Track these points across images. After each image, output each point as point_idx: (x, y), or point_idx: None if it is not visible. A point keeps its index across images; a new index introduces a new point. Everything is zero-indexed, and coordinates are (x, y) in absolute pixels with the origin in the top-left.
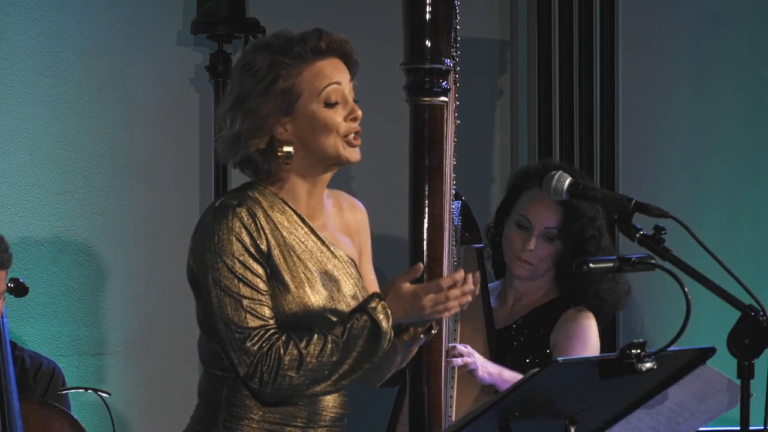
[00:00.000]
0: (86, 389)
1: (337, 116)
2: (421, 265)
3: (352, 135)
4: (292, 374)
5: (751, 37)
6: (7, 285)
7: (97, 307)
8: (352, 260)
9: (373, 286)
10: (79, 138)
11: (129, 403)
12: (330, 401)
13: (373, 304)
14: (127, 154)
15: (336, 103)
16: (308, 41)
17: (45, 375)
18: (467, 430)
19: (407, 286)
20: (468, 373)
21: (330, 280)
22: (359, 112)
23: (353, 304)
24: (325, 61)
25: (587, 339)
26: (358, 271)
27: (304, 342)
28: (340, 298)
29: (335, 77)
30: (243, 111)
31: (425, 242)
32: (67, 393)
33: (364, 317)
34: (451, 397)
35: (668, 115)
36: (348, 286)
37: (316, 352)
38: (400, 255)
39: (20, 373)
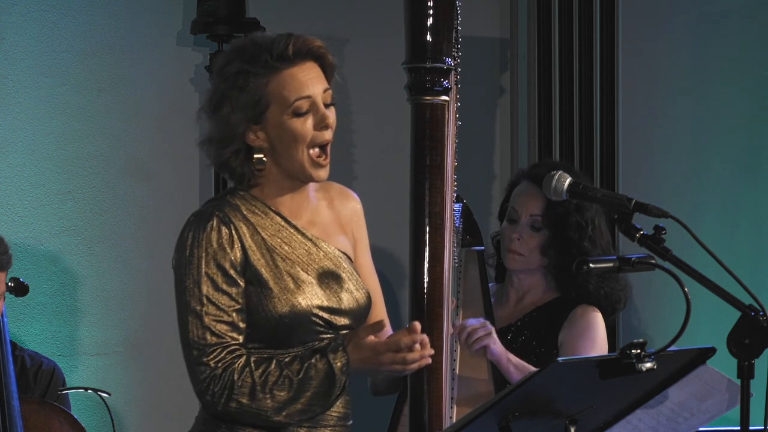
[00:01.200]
0: (86, 389)
1: (306, 125)
2: (384, 323)
3: (321, 156)
4: (243, 400)
5: (751, 37)
6: (7, 285)
7: (97, 307)
8: (346, 255)
9: (371, 277)
10: (79, 138)
11: (129, 403)
12: None
13: (333, 349)
14: (126, 154)
15: (306, 112)
16: (275, 49)
17: (45, 375)
18: (467, 430)
19: (369, 339)
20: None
21: (319, 278)
22: (330, 120)
23: (346, 298)
24: (296, 68)
25: (595, 337)
26: (352, 265)
27: (260, 371)
28: (331, 296)
29: (305, 89)
30: (215, 117)
31: (426, 241)
32: (67, 393)
33: (323, 361)
34: (452, 398)
35: (668, 115)
36: (339, 282)
37: (270, 383)
38: (400, 255)
39: (20, 373)
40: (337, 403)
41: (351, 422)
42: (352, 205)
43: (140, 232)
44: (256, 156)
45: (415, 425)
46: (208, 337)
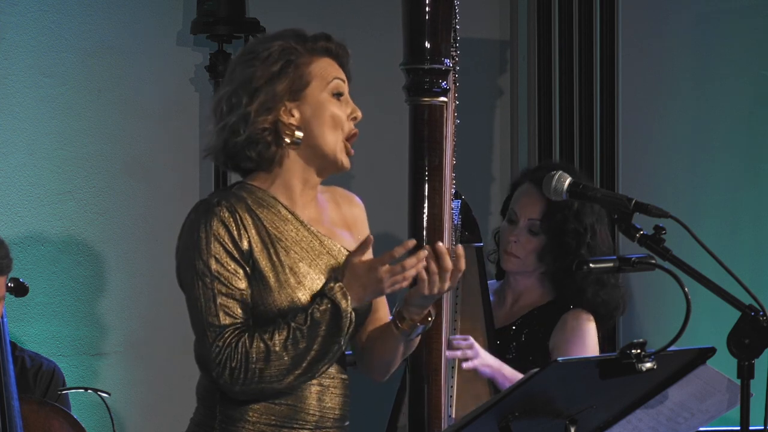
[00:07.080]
0: (86, 389)
1: (342, 110)
2: (371, 237)
3: (349, 142)
4: (262, 366)
5: (751, 37)
6: (7, 285)
7: (97, 307)
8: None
9: None
10: (79, 138)
11: (129, 403)
12: (328, 401)
13: (330, 285)
14: (127, 154)
15: (341, 95)
16: (318, 39)
17: (45, 375)
18: (467, 430)
19: (361, 261)
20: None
21: (321, 273)
22: (359, 113)
23: None
24: (332, 59)
25: (585, 341)
26: None
27: (269, 334)
28: None
29: (340, 74)
30: (251, 91)
31: (424, 242)
32: (67, 393)
33: (325, 301)
34: (451, 396)
35: (668, 115)
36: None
37: (282, 341)
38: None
39: (20, 374)
40: (333, 404)
41: (348, 423)
42: (357, 211)
43: (140, 232)
44: (297, 134)
45: (415, 425)
46: (222, 318)
